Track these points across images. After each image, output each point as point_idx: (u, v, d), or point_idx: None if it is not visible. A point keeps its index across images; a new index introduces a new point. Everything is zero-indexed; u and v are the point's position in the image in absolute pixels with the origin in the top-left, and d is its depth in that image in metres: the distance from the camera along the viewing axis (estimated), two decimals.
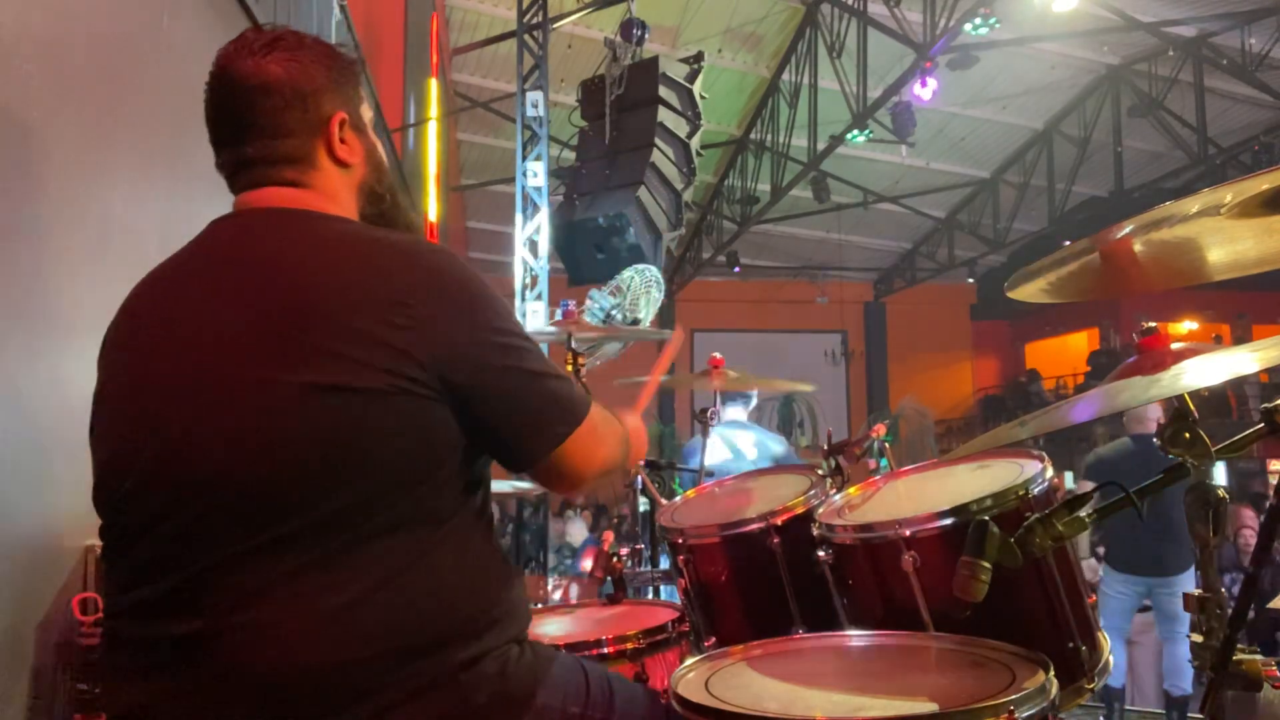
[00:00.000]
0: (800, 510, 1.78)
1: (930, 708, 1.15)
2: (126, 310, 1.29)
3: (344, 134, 1.30)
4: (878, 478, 1.90)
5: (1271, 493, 1.14)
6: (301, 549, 1.09)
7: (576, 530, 8.99)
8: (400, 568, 1.12)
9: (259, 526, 1.09)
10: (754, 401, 4.62)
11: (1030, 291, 1.33)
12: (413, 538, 1.13)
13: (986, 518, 1.18)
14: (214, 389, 1.13)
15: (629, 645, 1.74)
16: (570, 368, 2.86)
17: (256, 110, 1.25)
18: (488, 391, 1.18)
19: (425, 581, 1.13)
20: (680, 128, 6.99)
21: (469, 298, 1.20)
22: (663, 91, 6.90)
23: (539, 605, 2.28)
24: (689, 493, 2.29)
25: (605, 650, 1.73)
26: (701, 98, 7.25)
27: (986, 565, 1.14)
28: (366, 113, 1.36)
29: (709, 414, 3.30)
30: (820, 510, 1.75)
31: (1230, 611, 1.17)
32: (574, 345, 2.90)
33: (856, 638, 1.53)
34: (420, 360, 1.13)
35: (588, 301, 5.96)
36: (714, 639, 1.82)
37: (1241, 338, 15.06)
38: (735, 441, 4.33)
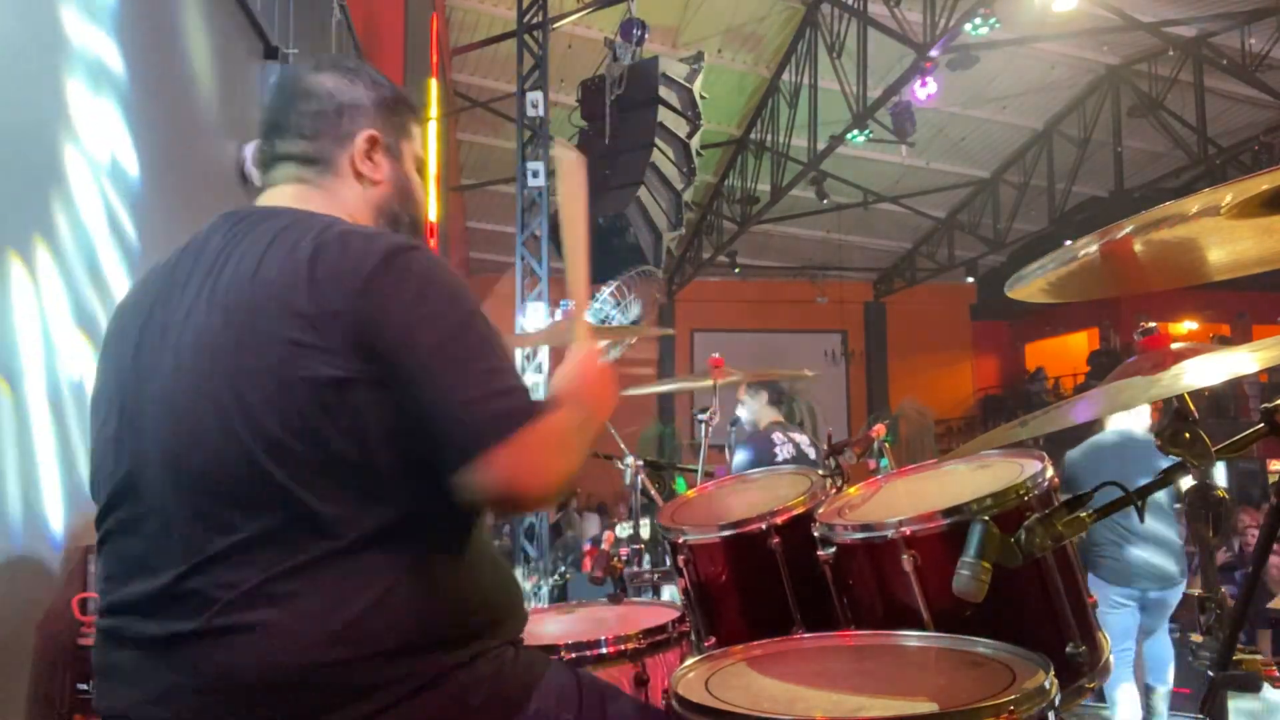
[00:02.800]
0: (800, 510, 1.78)
1: (930, 708, 1.14)
2: (122, 308, 1.31)
3: (373, 153, 1.35)
4: (878, 478, 1.90)
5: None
6: (288, 548, 1.09)
7: (590, 527, 8.98)
8: (395, 567, 1.12)
9: (237, 525, 1.09)
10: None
11: (1030, 291, 1.32)
12: (406, 537, 1.13)
13: (986, 518, 1.18)
14: (184, 386, 1.14)
15: (629, 645, 1.74)
16: None
17: (294, 111, 1.33)
18: (420, 376, 1.11)
19: (421, 580, 1.13)
20: (680, 128, 7.00)
21: (425, 282, 1.15)
22: (663, 91, 6.91)
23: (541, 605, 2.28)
24: (689, 493, 2.29)
25: (605, 650, 1.73)
26: (701, 98, 7.26)
27: (986, 565, 1.14)
28: (412, 149, 1.41)
29: (710, 415, 3.30)
30: (820, 510, 1.74)
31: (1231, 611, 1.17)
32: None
33: (856, 638, 1.53)
34: (360, 339, 1.10)
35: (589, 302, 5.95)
36: (714, 639, 1.81)
37: (1236, 339, 15.06)
38: (798, 441, 4.37)
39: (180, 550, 1.11)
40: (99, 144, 2.22)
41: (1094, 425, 4.39)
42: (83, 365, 2.02)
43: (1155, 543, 4.09)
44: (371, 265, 1.13)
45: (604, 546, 2.29)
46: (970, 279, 17.22)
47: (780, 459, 4.20)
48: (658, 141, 6.81)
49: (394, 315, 1.12)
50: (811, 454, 4.30)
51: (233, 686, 1.07)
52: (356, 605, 1.08)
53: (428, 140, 8.45)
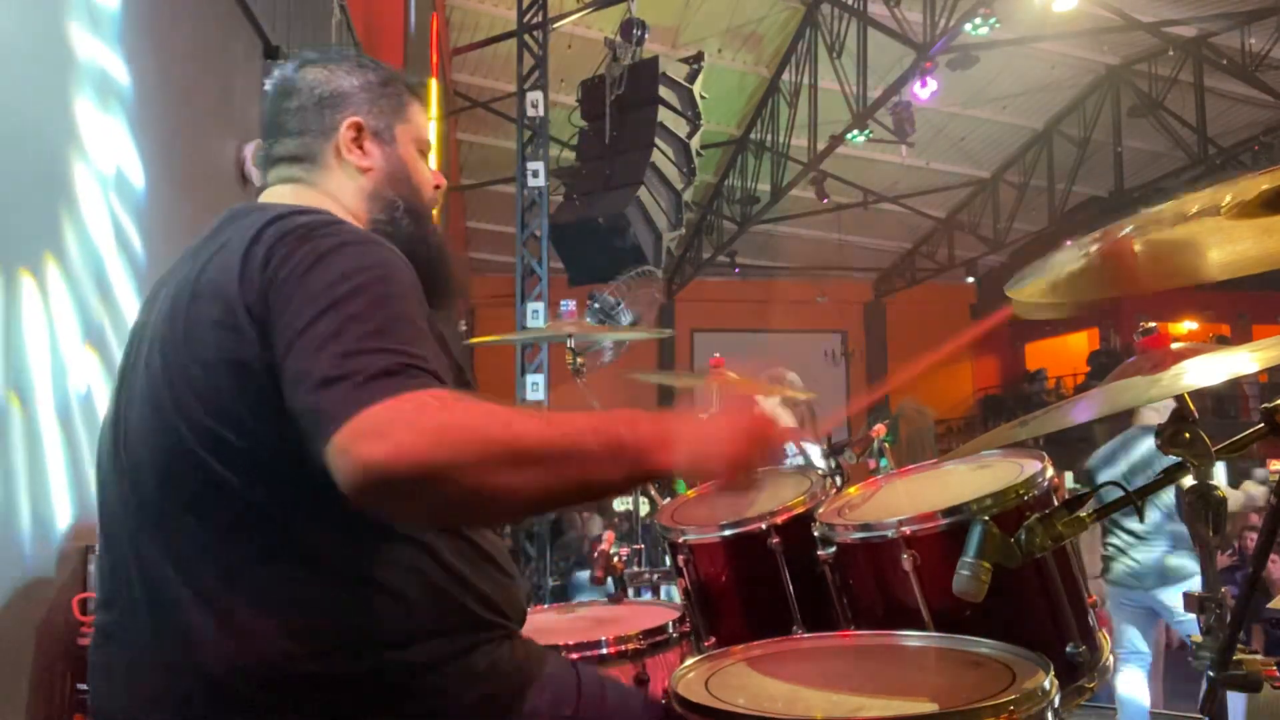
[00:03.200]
0: (800, 510, 1.77)
1: (930, 708, 1.14)
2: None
3: (361, 141, 1.33)
4: (878, 478, 1.90)
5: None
6: (241, 542, 1.07)
7: (593, 527, 8.96)
8: (361, 559, 1.09)
9: (185, 521, 1.08)
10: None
11: (1030, 291, 1.32)
12: (367, 530, 1.09)
13: (986, 518, 1.18)
14: (140, 382, 1.15)
15: (629, 645, 1.74)
16: (570, 367, 2.86)
17: (280, 111, 1.33)
18: (281, 361, 1.00)
19: (391, 573, 1.10)
20: (680, 128, 7.00)
21: (315, 259, 1.05)
22: (663, 91, 6.91)
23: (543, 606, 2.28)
24: (689, 492, 2.29)
25: (605, 650, 1.72)
26: (701, 98, 7.25)
27: (986, 565, 1.14)
28: (410, 131, 1.37)
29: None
30: (820, 510, 1.74)
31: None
32: (573, 345, 2.90)
33: (856, 638, 1.53)
34: (260, 320, 1.05)
35: (589, 302, 5.96)
36: (714, 639, 1.81)
37: (1236, 339, 15.05)
38: (809, 452, 4.35)
39: (140, 548, 1.11)
40: (101, 147, 2.22)
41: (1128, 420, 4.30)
42: (82, 365, 2.02)
43: (1152, 543, 4.09)
44: (272, 242, 1.08)
45: (604, 546, 2.28)
46: (970, 279, 17.23)
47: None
48: (658, 141, 6.80)
49: (277, 293, 1.04)
50: (822, 463, 4.29)
51: (209, 686, 1.05)
52: (322, 600, 1.06)
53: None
